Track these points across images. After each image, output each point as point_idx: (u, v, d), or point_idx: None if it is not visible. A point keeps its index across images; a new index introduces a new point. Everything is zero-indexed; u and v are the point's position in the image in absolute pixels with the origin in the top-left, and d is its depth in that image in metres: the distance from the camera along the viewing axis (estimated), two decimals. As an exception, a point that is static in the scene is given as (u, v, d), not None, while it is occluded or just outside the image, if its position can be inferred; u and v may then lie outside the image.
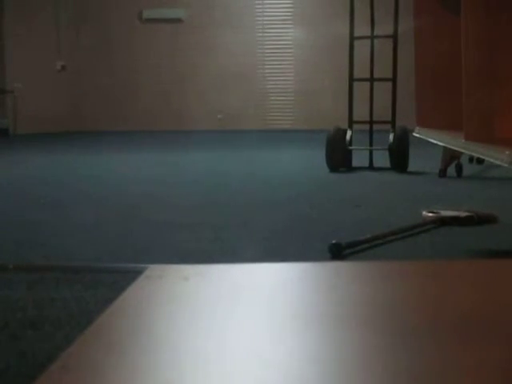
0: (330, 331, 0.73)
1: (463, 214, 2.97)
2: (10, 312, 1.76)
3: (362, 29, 5.27)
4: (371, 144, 5.33)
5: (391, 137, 5.06)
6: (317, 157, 5.50)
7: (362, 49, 5.36)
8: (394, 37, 5.20)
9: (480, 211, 3.04)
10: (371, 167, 5.21)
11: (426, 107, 3.22)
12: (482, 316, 0.76)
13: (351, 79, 5.35)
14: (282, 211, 3.38)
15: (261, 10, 11.37)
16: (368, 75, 5.32)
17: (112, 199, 3.89)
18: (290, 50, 11.34)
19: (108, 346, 0.70)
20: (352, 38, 5.29)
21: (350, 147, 5.19)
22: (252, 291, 0.89)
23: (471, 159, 5.37)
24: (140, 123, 11.32)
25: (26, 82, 10.72)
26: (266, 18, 11.38)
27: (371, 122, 5.35)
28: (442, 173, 4.66)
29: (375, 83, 5.32)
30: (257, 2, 11.36)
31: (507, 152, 1.69)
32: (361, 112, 5.44)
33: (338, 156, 5.12)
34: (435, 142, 3.03)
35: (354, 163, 5.20)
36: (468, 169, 4.97)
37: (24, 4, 10.71)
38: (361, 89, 5.42)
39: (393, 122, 5.20)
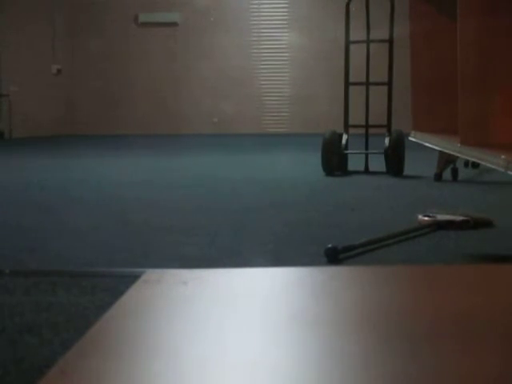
0: (326, 336, 0.73)
1: (459, 217, 2.97)
2: (7, 317, 1.76)
3: (358, 33, 5.28)
4: (367, 148, 5.33)
5: (387, 141, 5.06)
6: (312, 161, 5.51)
7: (357, 53, 5.37)
8: (390, 41, 5.21)
9: (475, 215, 3.05)
10: (367, 171, 5.21)
11: (422, 111, 3.22)
12: (479, 320, 0.76)
13: (347, 83, 5.36)
14: (277, 215, 3.39)
15: (256, 14, 11.39)
16: (364, 79, 5.33)
17: (108, 203, 3.88)
18: (285, 54, 11.35)
19: (106, 350, 0.70)
20: (348, 42, 5.30)
21: (346, 151, 5.19)
22: (249, 295, 0.89)
23: (467, 163, 5.38)
24: (135, 127, 11.32)
25: (21, 85, 10.71)
26: (262, 22, 11.39)
27: (367, 126, 5.35)
28: (438, 177, 4.67)
29: (371, 87, 5.33)
30: (252, 5, 11.37)
31: (503, 156, 1.70)
32: (356, 116, 5.45)
33: (334, 160, 5.12)
34: (431, 146, 3.04)
35: (350, 167, 5.21)
36: (463, 173, 4.98)
37: (20, 8, 10.70)
38: (357, 93, 5.43)
39: (388, 126, 5.21)
